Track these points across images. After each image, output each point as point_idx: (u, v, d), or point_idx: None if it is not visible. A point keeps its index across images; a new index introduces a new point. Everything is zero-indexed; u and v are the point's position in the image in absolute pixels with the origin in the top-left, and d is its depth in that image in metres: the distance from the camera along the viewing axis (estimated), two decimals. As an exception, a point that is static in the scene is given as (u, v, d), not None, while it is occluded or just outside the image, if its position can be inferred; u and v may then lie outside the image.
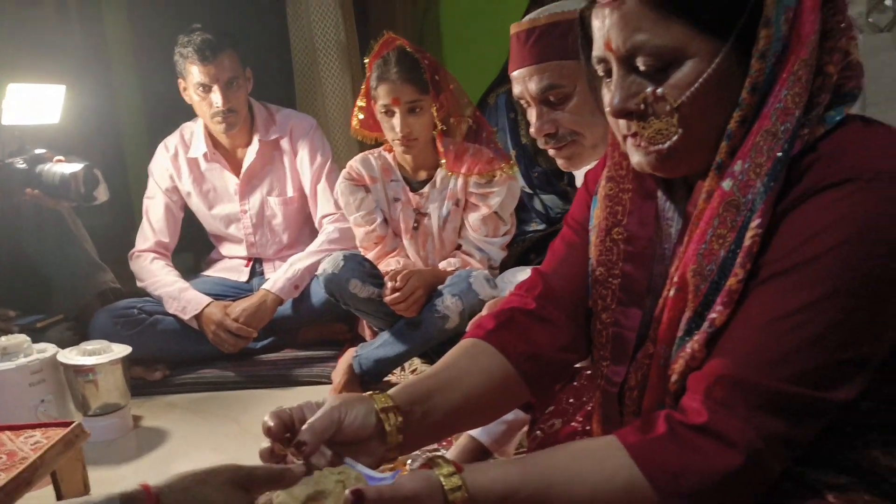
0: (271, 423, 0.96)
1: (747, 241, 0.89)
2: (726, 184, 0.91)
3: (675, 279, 0.96)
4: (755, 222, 0.89)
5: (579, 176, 2.53)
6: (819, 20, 0.90)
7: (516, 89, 1.62)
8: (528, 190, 2.73)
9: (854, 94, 0.95)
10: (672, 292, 0.96)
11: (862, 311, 0.86)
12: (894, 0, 3.88)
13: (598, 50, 0.97)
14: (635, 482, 0.86)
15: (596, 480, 0.88)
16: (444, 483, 0.86)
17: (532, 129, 1.61)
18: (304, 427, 0.95)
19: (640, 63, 0.93)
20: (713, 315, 0.91)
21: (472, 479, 0.87)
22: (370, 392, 1.03)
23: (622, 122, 0.98)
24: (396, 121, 2.30)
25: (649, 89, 0.93)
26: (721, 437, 0.85)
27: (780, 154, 0.88)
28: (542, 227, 2.72)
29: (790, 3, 0.90)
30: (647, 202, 1.06)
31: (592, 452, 0.90)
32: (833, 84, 0.92)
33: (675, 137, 0.94)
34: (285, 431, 0.97)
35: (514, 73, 1.61)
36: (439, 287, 2.27)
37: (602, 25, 0.95)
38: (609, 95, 0.96)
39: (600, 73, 0.99)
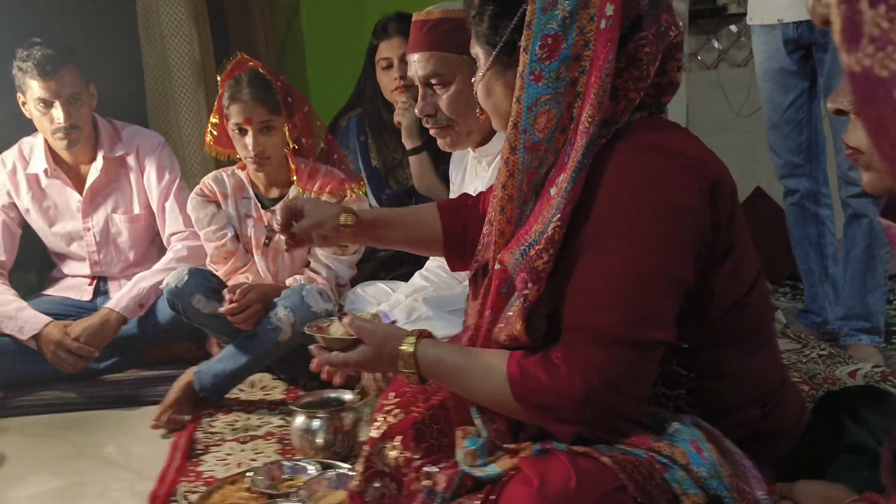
0: (281, 219, 1.50)
1: (549, 231, 1.11)
2: (553, 190, 1.13)
3: (500, 257, 1.18)
4: (556, 216, 1.11)
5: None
6: (613, 55, 1.09)
7: (410, 70, 1.87)
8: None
9: (660, 107, 1.19)
10: (497, 266, 1.18)
11: (655, 254, 1.09)
12: (719, 41, 4.26)
13: None
14: (505, 386, 1.14)
15: (489, 371, 1.17)
16: (406, 336, 1.23)
17: (416, 109, 1.85)
18: (296, 224, 1.50)
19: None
20: (526, 292, 1.12)
21: (423, 342, 1.23)
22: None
23: None
24: (249, 139, 2.34)
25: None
26: (571, 370, 1.08)
27: (577, 165, 1.11)
28: (391, 245, 2.81)
29: (548, 31, 1.11)
30: None
31: (495, 355, 1.18)
32: (635, 106, 1.13)
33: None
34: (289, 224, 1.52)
35: (409, 56, 1.87)
36: (275, 300, 2.32)
37: None
38: None
39: None
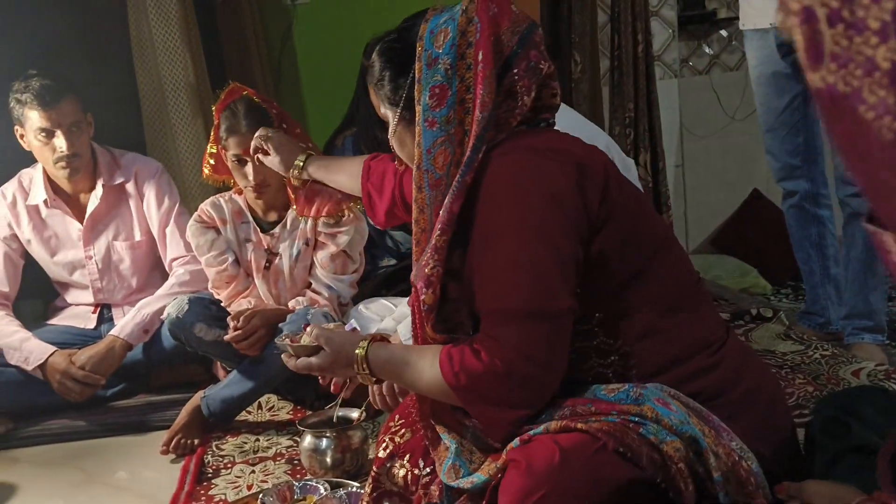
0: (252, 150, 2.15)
1: (433, 241, 1.29)
2: (441, 212, 1.29)
3: (411, 279, 1.36)
4: (438, 227, 1.28)
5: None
6: (489, 92, 1.27)
7: None
8: (378, 227, 2.82)
9: (537, 122, 1.36)
10: (413, 289, 1.35)
11: (538, 235, 1.23)
12: (710, 46, 4.28)
13: None
14: (440, 375, 1.26)
15: (427, 363, 1.29)
16: (360, 341, 1.37)
17: None
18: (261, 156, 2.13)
19: None
20: (422, 297, 1.30)
21: (374, 346, 1.37)
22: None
23: None
24: (249, 170, 2.33)
25: None
26: (490, 352, 1.22)
27: (457, 184, 1.29)
28: (393, 262, 2.82)
29: (435, 83, 1.30)
30: None
31: (433, 348, 1.31)
32: (512, 128, 1.31)
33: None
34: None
35: None
36: (280, 325, 2.32)
37: None
38: None
39: None
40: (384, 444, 1.62)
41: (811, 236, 2.70)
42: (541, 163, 1.27)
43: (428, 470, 1.54)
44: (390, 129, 1.45)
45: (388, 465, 1.60)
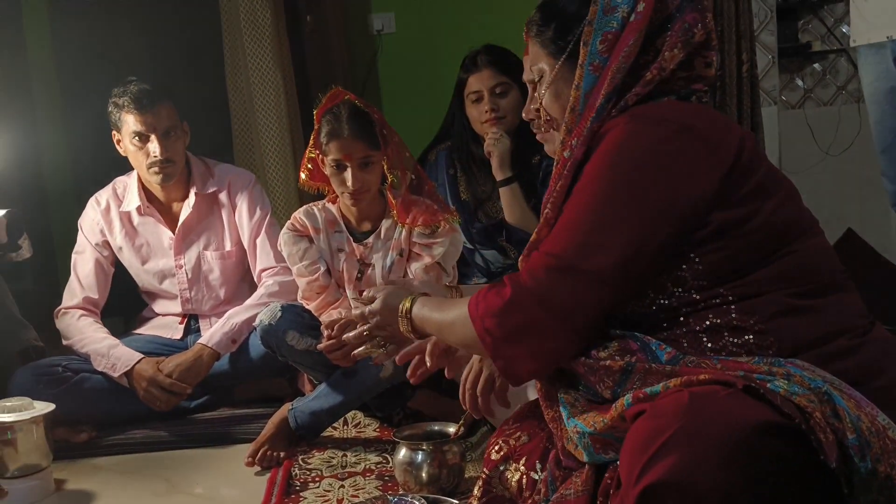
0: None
1: (556, 187, 1.32)
2: (567, 153, 1.32)
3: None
4: (563, 174, 1.31)
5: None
6: (634, 42, 1.27)
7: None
8: (468, 245, 2.75)
9: (693, 92, 1.33)
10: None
11: (616, 200, 1.23)
12: (804, 80, 4.16)
13: None
14: (466, 310, 1.30)
15: (456, 307, 1.37)
16: (406, 298, 1.48)
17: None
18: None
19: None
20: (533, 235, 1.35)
21: (421, 298, 1.47)
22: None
23: None
24: (348, 175, 2.29)
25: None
26: (511, 282, 1.25)
27: (586, 131, 1.30)
28: (483, 280, 2.73)
29: (608, 29, 1.29)
30: None
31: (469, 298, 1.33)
32: (650, 90, 1.29)
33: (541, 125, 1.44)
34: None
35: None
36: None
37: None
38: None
39: None
40: (497, 447, 1.53)
41: (931, 263, 2.53)
42: (662, 136, 1.24)
43: (544, 474, 1.44)
44: (544, 85, 1.40)
45: (502, 468, 1.51)
